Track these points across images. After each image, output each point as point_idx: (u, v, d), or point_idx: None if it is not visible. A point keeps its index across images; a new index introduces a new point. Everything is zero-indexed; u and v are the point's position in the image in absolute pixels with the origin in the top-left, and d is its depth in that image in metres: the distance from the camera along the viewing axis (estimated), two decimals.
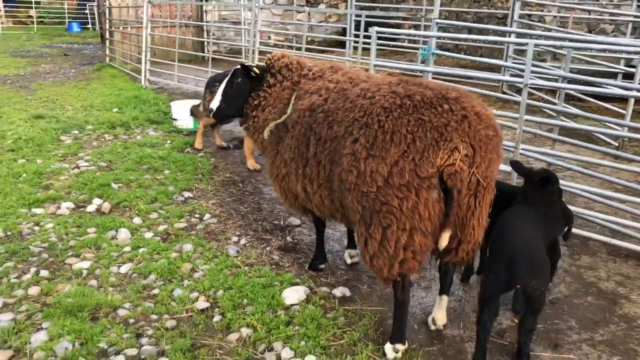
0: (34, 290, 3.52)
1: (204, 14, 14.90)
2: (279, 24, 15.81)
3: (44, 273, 3.73)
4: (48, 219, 4.56)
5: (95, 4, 23.01)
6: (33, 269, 3.78)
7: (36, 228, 4.40)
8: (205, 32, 14.49)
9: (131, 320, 3.24)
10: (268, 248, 4.18)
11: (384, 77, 3.20)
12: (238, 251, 4.09)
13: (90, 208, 4.80)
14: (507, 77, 6.82)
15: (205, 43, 13.89)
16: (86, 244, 4.12)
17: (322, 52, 12.51)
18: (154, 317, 3.29)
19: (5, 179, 5.37)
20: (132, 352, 2.96)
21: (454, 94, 2.73)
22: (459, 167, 2.63)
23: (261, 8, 13.27)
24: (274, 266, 3.90)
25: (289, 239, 4.37)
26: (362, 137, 2.79)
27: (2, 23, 23.59)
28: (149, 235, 4.32)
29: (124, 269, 3.82)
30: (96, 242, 4.16)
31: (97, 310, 3.32)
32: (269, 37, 15.51)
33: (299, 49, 10.80)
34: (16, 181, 5.37)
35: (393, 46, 12.00)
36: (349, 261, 3.98)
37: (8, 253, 3.96)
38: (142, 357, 2.93)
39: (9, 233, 4.29)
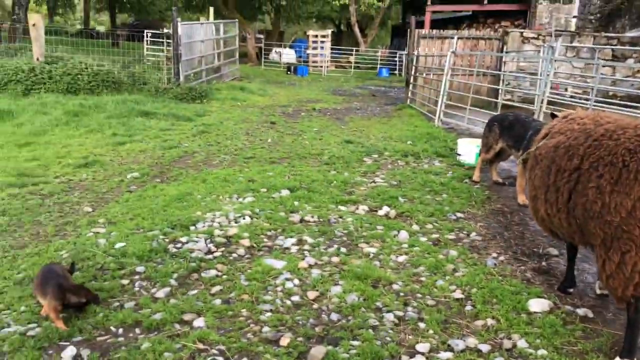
0: (335, 259, 4.73)
1: (502, 64, 15.62)
2: (579, 77, 15.58)
3: (343, 250, 4.95)
4: (349, 214, 5.87)
5: (405, 53, 25.60)
6: (335, 246, 5.03)
7: (340, 219, 5.73)
8: (501, 81, 15.20)
9: (401, 293, 4.18)
10: (523, 267, 4.72)
11: (630, 120, 3.56)
12: (495, 264, 4.73)
13: (380, 212, 5.98)
14: None
15: (500, 91, 14.57)
16: (375, 236, 5.26)
17: (624, 107, 12.00)
18: (419, 295, 4.16)
19: (321, 183, 6.96)
20: (399, 313, 3.87)
21: None
22: None
23: (562, 61, 13.44)
24: (525, 281, 4.43)
25: (544, 264, 4.82)
26: (606, 174, 3.24)
27: (327, 67, 27.94)
28: (423, 239, 5.26)
29: (400, 259, 4.81)
30: (382, 236, 5.26)
31: (377, 282, 4.34)
32: (566, 90, 15.39)
33: (597, 102, 10.71)
34: (328, 185, 6.90)
35: None
36: (598, 291, 4.27)
37: (320, 232, 5.33)
38: (406, 318, 3.82)
39: (321, 219, 5.70)
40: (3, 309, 3.79)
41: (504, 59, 15.45)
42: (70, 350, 3.30)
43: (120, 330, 3.57)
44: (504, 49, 15.57)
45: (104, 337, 3.50)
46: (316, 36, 28.92)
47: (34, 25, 14.17)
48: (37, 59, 14.03)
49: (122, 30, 34.54)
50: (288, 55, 31.22)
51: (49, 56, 14.35)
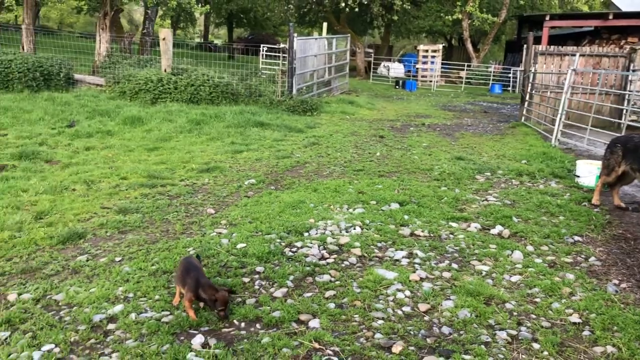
0: (446, 274, 4.75)
1: (628, 83, 14.72)
2: None
3: (454, 265, 4.95)
4: (460, 231, 5.85)
5: (519, 69, 24.81)
6: (447, 261, 5.05)
7: (451, 236, 5.72)
8: (626, 101, 14.33)
9: (514, 313, 4.12)
10: None
11: None
12: (616, 291, 4.52)
13: (493, 231, 5.90)
14: None
15: (624, 111, 13.74)
16: (487, 255, 5.21)
17: None
18: (533, 316, 4.09)
19: (431, 198, 6.97)
20: (512, 332, 3.83)
21: None
22: None
23: None
24: None
25: None
26: None
27: (437, 81, 27.69)
28: (538, 260, 5.13)
29: (514, 278, 4.73)
30: (495, 255, 5.20)
31: (489, 299, 4.31)
32: None
33: None
34: (439, 201, 6.90)
35: None
36: None
37: (431, 247, 5.37)
38: (520, 337, 3.77)
39: (432, 234, 5.73)
40: (140, 296, 4.20)
41: (630, 78, 14.57)
42: (199, 338, 3.60)
43: (243, 324, 3.84)
44: (631, 67, 14.68)
45: (228, 329, 3.78)
46: (427, 51, 28.78)
47: (163, 39, 15.35)
48: (165, 70, 15.16)
49: (238, 44, 36.36)
50: (396, 69, 31.30)
51: (175, 68, 15.45)
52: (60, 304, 4.07)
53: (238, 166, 8.70)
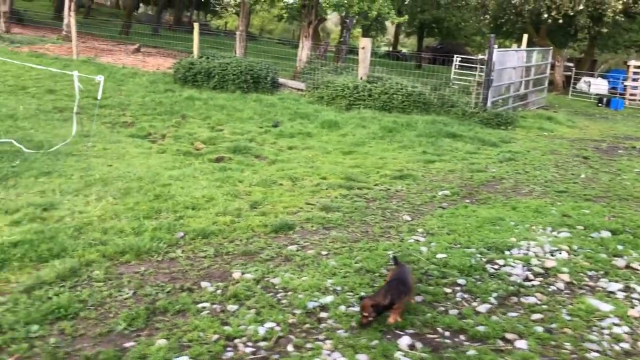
0: None
1: None
2: None
3: None
4: None
5: None
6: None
7: None
8: None
9: None
10: None
11: None
12: None
13: None
14: None
15: None
16: None
17: None
18: None
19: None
20: None
21: None
22: None
23: None
24: None
25: None
26: None
27: None
28: None
29: None
30: None
31: None
32: None
33: None
34: None
35: None
36: None
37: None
38: None
39: None
40: (347, 290, 4.44)
41: None
42: (405, 339, 3.71)
43: (447, 333, 3.87)
44: None
45: (433, 335, 3.84)
46: (638, 67, 26.06)
47: (363, 48, 15.91)
48: (361, 78, 15.71)
49: (427, 53, 36.29)
50: (599, 85, 28.77)
51: (370, 76, 15.92)
52: (276, 287, 4.47)
53: (430, 176, 8.71)
